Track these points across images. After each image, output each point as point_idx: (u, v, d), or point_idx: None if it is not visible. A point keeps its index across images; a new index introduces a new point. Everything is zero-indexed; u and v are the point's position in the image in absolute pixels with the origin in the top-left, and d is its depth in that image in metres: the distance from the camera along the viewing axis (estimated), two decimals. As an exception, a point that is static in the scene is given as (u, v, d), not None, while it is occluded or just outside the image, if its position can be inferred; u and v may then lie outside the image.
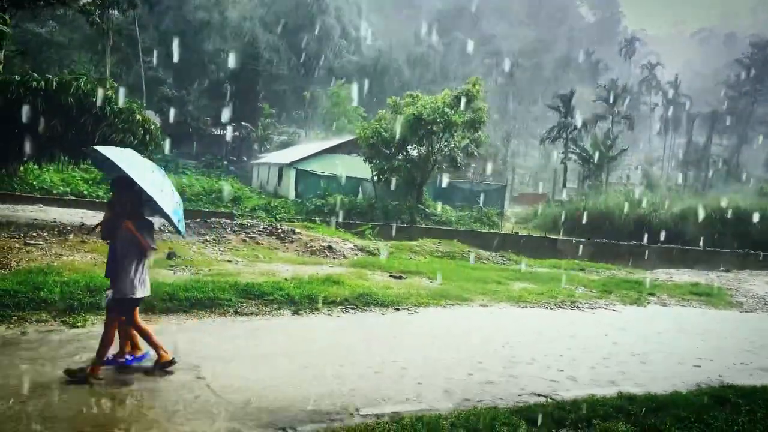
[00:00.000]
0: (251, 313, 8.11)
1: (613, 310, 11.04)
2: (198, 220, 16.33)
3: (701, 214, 24.68)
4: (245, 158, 48.73)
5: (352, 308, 8.98)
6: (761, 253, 21.90)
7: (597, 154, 42.28)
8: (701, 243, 22.96)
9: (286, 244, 15.37)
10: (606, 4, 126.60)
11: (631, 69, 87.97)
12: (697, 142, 62.11)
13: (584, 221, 26.38)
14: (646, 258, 21.69)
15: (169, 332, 6.92)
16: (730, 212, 24.82)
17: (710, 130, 61.33)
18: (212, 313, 7.93)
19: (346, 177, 31.15)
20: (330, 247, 15.42)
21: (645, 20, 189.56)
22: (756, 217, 23.78)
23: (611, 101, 55.03)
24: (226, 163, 47.27)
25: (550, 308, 10.58)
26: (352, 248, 15.95)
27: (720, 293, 13.69)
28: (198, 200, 26.51)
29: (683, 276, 16.83)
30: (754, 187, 39.81)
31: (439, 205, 29.82)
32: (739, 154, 63.67)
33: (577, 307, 10.84)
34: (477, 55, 76.22)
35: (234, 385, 5.23)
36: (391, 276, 12.31)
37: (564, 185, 45.94)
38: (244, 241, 14.96)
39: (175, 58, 47.83)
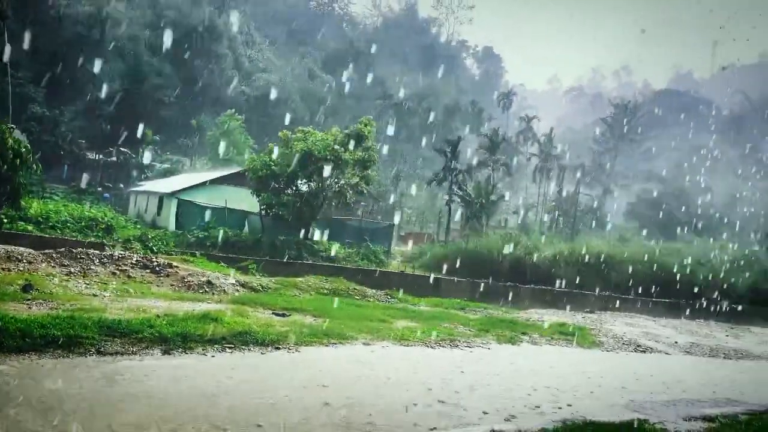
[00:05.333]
0: (116, 353, 7.49)
1: (489, 348, 11.42)
2: (62, 249, 15.01)
3: (569, 258, 26.61)
4: (122, 185, 45.81)
5: (230, 347, 8.57)
6: (621, 295, 23.95)
7: (478, 199, 44.38)
8: (568, 285, 24.64)
9: (162, 278, 14.52)
10: (489, 59, 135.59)
11: (511, 120, 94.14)
12: (567, 191, 67.26)
13: (466, 262, 27.40)
14: (520, 298, 22.88)
15: (18, 374, 6.19)
16: (594, 257, 26.94)
17: (578, 181, 66.67)
18: (70, 352, 7.22)
19: (232, 209, 30.15)
20: (210, 282, 14.74)
21: (524, 76, 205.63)
22: (615, 262, 26.11)
23: (492, 149, 58.42)
24: (100, 189, 44.11)
25: (431, 347, 10.75)
26: (233, 284, 15.36)
27: (584, 333, 14.65)
28: (64, 228, 24.33)
29: (552, 316, 17.87)
30: (615, 234, 43.69)
31: (327, 242, 29.64)
32: (603, 203, 69.64)
33: (456, 346, 11.10)
34: (369, 95, 78.07)
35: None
36: (274, 313, 11.97)
37: (448, 226, 47.56)
38: (114, 273, 13.95)
39: (49, 75, 44.56)
